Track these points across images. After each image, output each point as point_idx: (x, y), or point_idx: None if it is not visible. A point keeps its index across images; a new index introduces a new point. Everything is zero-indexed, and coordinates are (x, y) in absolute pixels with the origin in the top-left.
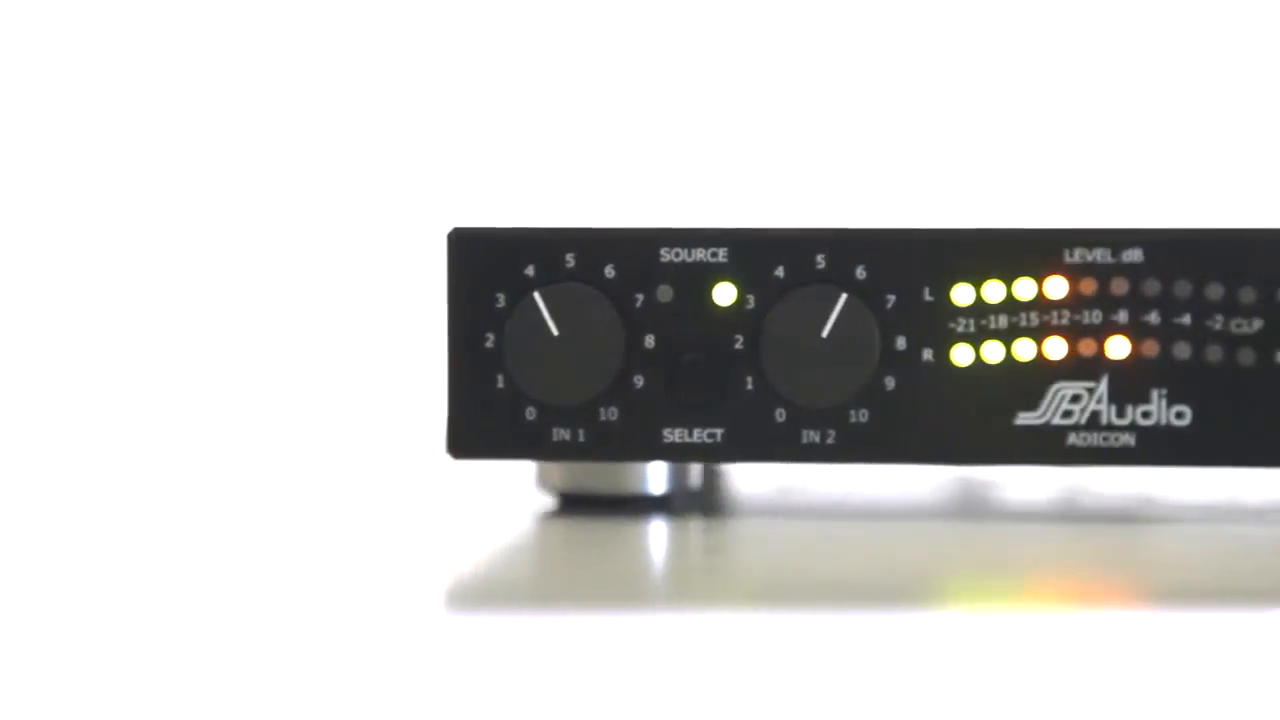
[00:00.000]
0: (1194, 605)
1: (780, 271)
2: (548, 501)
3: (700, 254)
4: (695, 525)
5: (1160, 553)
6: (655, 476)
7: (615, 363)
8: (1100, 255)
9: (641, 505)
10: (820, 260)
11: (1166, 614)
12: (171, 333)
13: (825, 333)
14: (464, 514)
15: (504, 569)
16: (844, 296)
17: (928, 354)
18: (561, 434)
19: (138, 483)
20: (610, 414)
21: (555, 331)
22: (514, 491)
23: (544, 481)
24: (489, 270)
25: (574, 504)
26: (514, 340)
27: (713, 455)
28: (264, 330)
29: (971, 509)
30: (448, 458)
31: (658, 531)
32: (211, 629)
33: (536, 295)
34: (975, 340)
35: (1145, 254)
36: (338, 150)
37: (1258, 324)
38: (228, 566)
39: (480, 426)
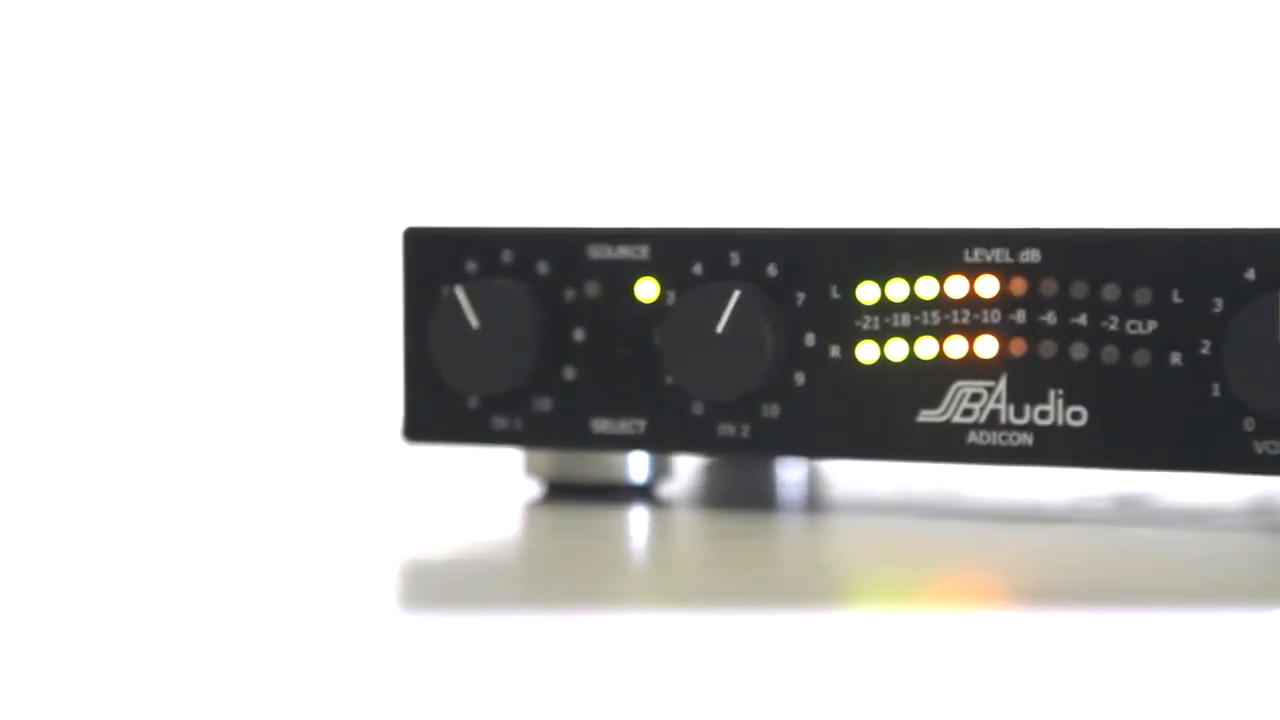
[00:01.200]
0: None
1: (698, 269)
2: (535, 489)
3: (625, 251)
4: (678, 514)
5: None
6: (637, 466)
7: (537, 355)
8: (999, 255)
9: (624, 494)
10: (735, 258)
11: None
12: (164, 334)
13: (719, 329)
14: (455, 502)
15: (491, 555)
16: (737, 293)
17: (835, 350)
18: (499, 422)
19: (141, 492)
20: (543, 404)
21: (475, 325)
22: (503, 480)
23: (532, 470)
24: (438, 266)
25: (560, 492)
26: (436, 333)
27: (636, 445)
28: (244, 329)
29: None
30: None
31: (638, 519)
32: (199, 622)
33: (457, 290)
34: (880, 338)
35: (1042, 254)
36: (307, 154)
37: (1152, 325)
38: (217, 563)
39: (430, 414)
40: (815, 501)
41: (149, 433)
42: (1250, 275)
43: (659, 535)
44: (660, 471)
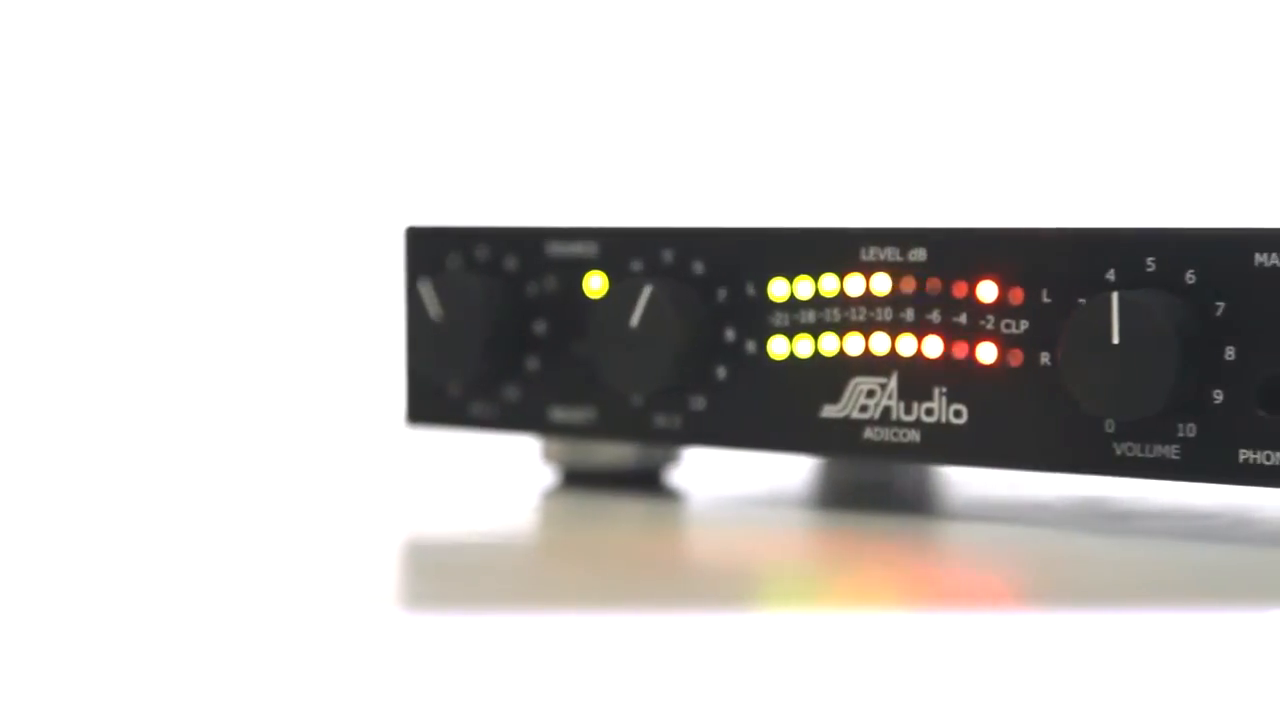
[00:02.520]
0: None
1: (637, 265)
2: (552, 476)
3: (577, 248)
4: (681, 503)
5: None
6: (646, 456)
7: (493, 345)
8: (890, 254)
9: (635, 481)
10: (667, 255)
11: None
12: (169, 332)
13: (633, 324)
14: (473, 488)
15: (503, 541)
16: (648, 289)
17: (750, 346)
18: (476, 409)
19: (153, 482)
20: (511, 393)
21: (437, 316)
22: (523, 468)
23: (549, 457)
24: (434, 261)
25: (575, 479)
26: (409, 324)
27: (588, 433)
28: (257, 325)
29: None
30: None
31: (651, 506)
32: (212, 609)
33: (421, 284)
34: (789, 334)
35: (929, 253)
36: (317, 157)
37: (1024, 325)
38: (229, 551)
39: (426, 399)
40: (830, 498)
41: (162, 424)
42: (1110, 276)
43: (665, 523)
44: (668, 460)
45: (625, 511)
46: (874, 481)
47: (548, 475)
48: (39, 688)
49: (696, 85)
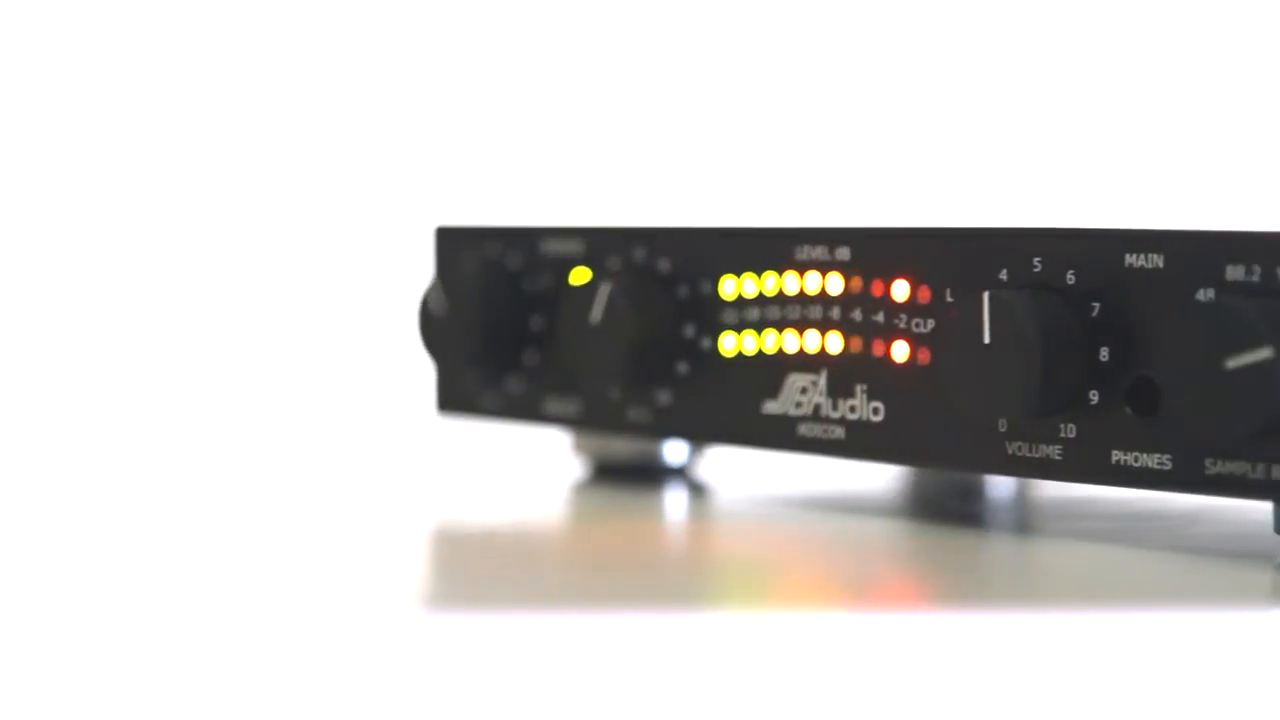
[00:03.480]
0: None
1: (615, 263)
2: (582, 469)
3: (567, 246)
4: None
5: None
6: (675, 450)
7: (490, 339)
8: (820, 253)
9: (662, 475)
10: (640, 253)
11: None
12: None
13: (594, 320)
14: (504, 479)
15: (530, 532)
16: (608, 287)
17: (706, 342)
18: (484, 400)
19: (175, 477)
20: (515, 386)
21: (440, 311)
22: (554, 460)
23: (579, 450)
24: (460, 259)
25: (604, 473)
26: (420, 318)
27: (574, 424)
28: (299, 321)
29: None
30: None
31: (675, 500)
32: (246, 600)
33: (433, 280)
34: (737, 330)
35: (852, 252)
36: (354, 159)
37: (931, 324)
38: (265, 538)
39: (451, 389)
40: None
41: (201, 417)
42: (1003, 275)
43: (690, 517)
44: (695, 455)
45: (646, 506)
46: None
47: (578, 468)
48: (59, 685)
49: (703, 83)
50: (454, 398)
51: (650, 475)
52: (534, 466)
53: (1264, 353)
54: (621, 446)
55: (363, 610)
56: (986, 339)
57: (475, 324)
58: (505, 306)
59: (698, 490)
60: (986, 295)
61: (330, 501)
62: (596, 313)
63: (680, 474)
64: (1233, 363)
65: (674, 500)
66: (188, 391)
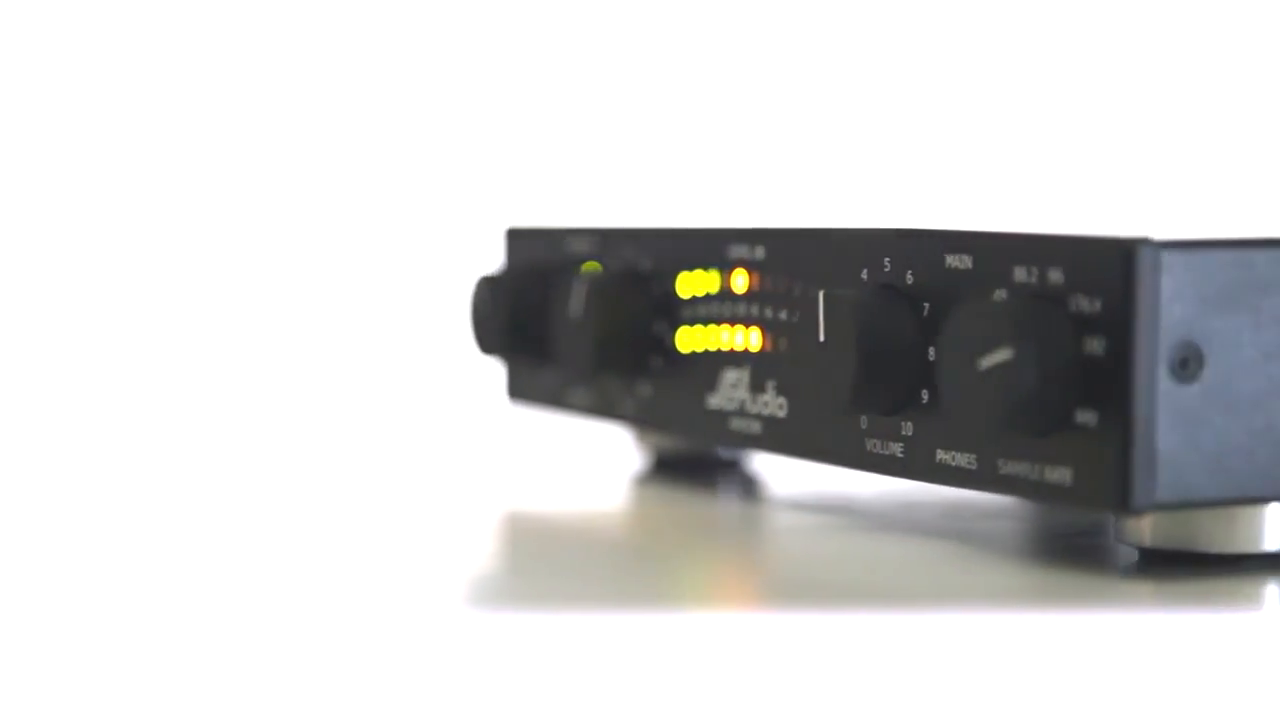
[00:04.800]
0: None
1: (612, 261)
2: (644, 462)
3: (582, 245)
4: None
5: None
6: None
7: (515, 330)
8: (744, 252)
9: (720, 468)
10: (629, 252)
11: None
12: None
13: (573, 315)
14: (569, 471)
15: (589, 523)
16: (586, 283)
17: (668, 339)
18: (528, 387)
19: (262, 457)
20: (550, 375)
21: (483, 309)
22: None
23: (642, 443)
24: (527, 258)
25: (664, 465)
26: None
27: (587, 412)
28: (382, 315)
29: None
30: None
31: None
32: (312, 571)
33: (480, 280)
34: (690, 325)
35: (766, 252)
36: (435, 162)
37: (820, 324)
38: (335, 520)
39: (518, 379)
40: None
41: (287, 402)
42: (864, 275)
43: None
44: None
45: (696, 498)
46: None
47: (639, 460)
48: (108, 669)
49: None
50: (522, 388)
51: (706, 468)
52: (600, 458)
53: (1004, 354)
54: (680, 441)
55: (414, 595)
56: (821, 337)
57: (500, 320)
58: (528, 302)
59: (749, 484)
60: (821, 295)
61: (406, 488)
62: (574, 307)
63: (734, 468)
64: (984, 362)
65: (725, 494)
66: (264, 380)
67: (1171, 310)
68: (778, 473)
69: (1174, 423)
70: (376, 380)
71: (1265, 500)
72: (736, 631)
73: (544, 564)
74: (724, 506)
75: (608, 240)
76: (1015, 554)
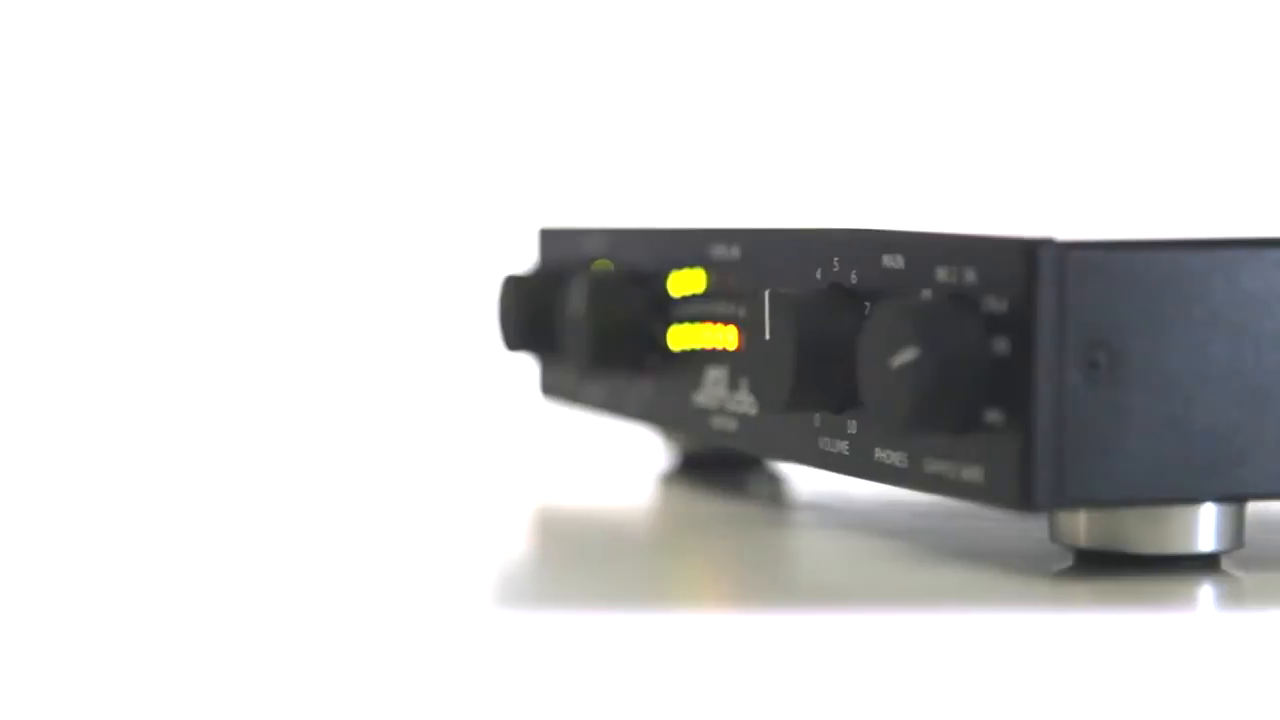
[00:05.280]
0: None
1: (614, 261)
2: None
3: (592, 244)
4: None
5: None
6: None
7: (526, 328)
8: (722, 252)
9: (746, 468)
10: (631, 251)
11: None
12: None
13: (570, 313)
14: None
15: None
16: (585, 282)
17: (660, 337)
18: (547, 380)
19: (292, 451)
20: (561, 369)
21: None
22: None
23: (670, 440)
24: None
25: (692, 462)
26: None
27: (599, 408)
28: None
29: None
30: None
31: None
32: (347, 560)
33: (505, 278)
34: (680, 324)
35: (741, 250)
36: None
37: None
38: (363, 515)
39: (551, 375)
40: None
41: (322, 398)
42: (819, 274)
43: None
44: None
45: (720, 495)
46: None
47: (666, 458)
48: (136, 665)
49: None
50: (547, 383)
51: (731, 467)
52: (627, 456)
53: (911, 353)
54: (707, 440)
55: (418, 591)
56: (767, 335)
57: (510, 318)
58: (538, 300)
59: (774, 484)
60: (767, 294)
61: (437, 483)
62: (573, 305)
63: (760, 466)
64: (894, 362)
65: (754, 490)
66: (299, 373)
67: (1078, 310)
68: (803, 473)
69: (1081, 422)
70: (416, 376)
71: (1174, 501)
72: (723, 632)
73: (549, 563)
74: (733, 507)
75: (616, 240)
76: (955, 554)
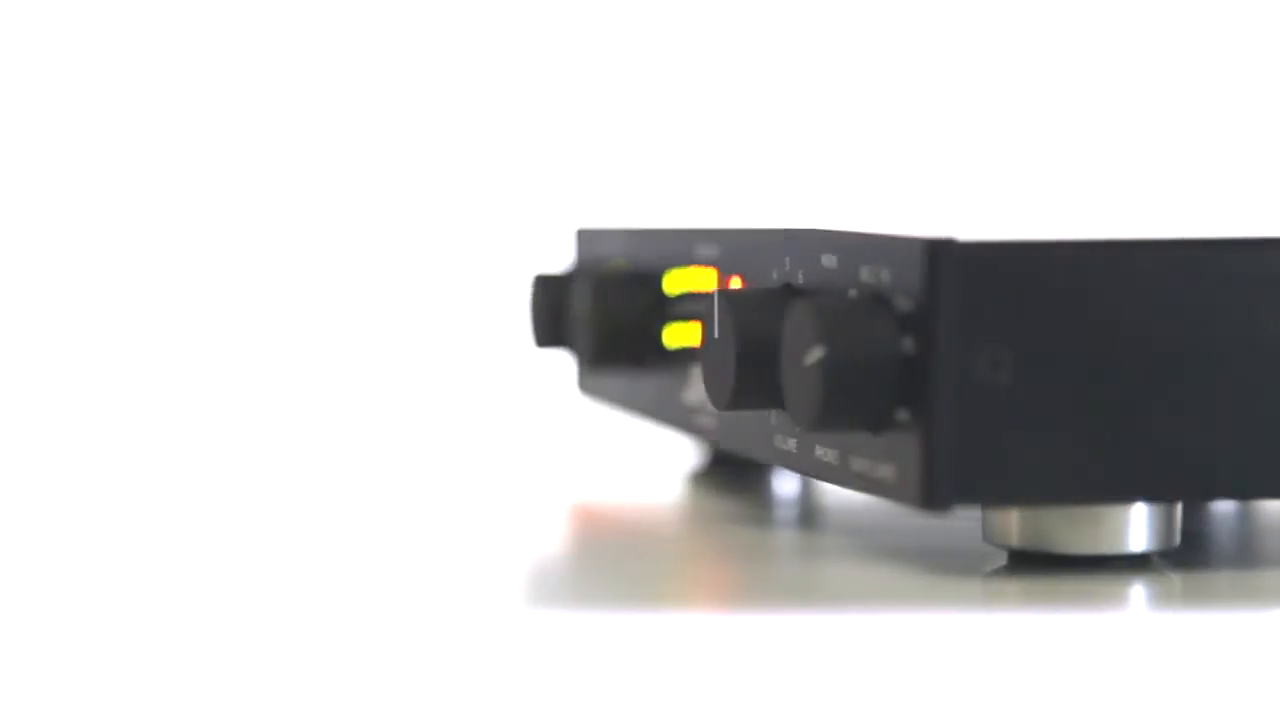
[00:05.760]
0: None
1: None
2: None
3: (609, 245)
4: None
5: None
6: None
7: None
8: (704, 252)
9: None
10: (640, 250)
11: None
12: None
13: (576, 311)
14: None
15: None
16: (590, 280)
17: (657, 335)
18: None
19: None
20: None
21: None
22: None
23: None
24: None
25: (720, 460)
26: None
27: (616, 403)
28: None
29: None
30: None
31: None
32: (380, 562)
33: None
34: (672, 322)
35: (718, 251)
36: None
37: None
38: (394, 508)
39: (591, 372)
40: None
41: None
42: (774, 275)
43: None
44: None
45: (745, 496)
46: None
47: (696, 454)
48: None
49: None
50: (585, 382)
51: (759, 466)
52: (658, 454)
53: (818, 352)
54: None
55: (465, 579)
56: (715, 333)
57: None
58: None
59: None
60: (716, 294)
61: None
62: (579, 304)
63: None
64: (806, 360)
65: (779, 488)
66: (335, 371)
67: (981, 310)
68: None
69: (984, 422)
70: (459, 371)
71: (1080, 501)
72: (718, 633)
73: (555, 563)
74: (739, 509)
75: (632, 240)
76: (890, 554)
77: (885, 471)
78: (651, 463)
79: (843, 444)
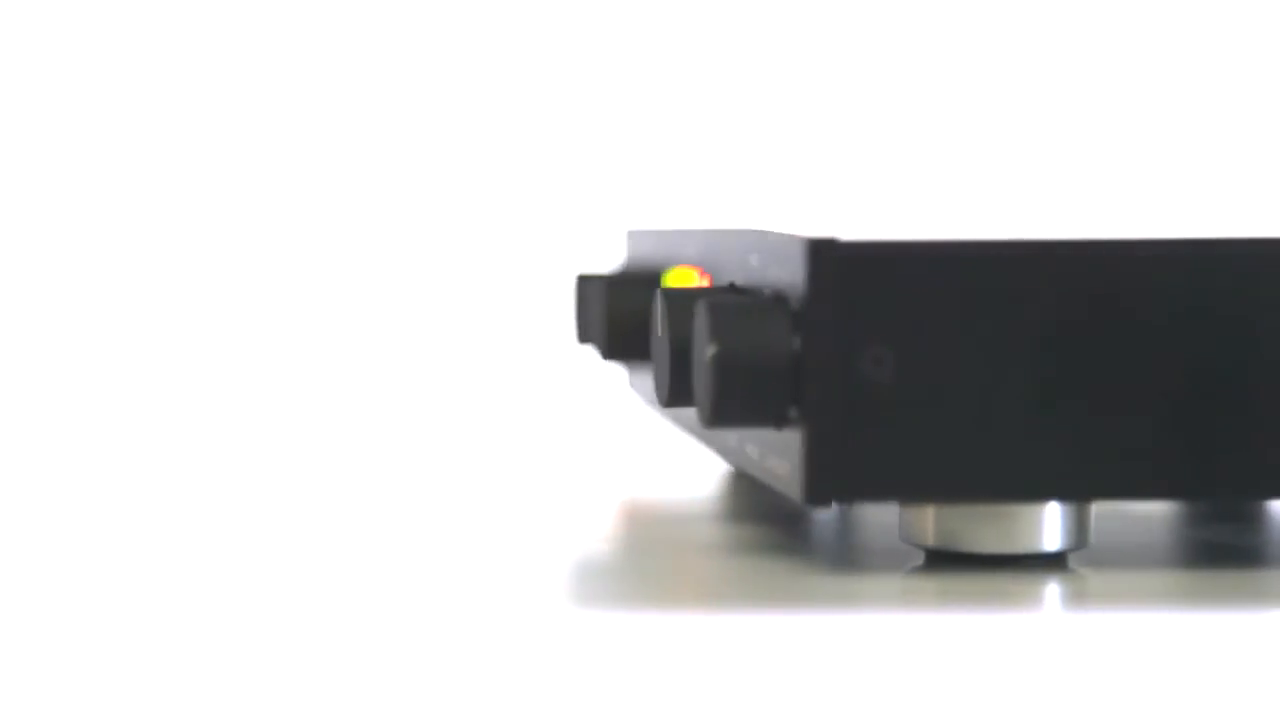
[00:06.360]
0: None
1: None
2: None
3: (636, 246)
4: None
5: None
6: None
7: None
8: (689, 252)
9: None
10: (665, 251)
11: None
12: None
13: (596, 310)
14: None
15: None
16: (604, 281)
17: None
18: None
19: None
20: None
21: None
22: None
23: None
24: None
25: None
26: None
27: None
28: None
29: None
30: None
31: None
32: (414, 554)
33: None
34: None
35: (697, 251)
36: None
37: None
38: (431, 498)
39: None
40: None
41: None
42: (735, 275)
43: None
44: None
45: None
46: None
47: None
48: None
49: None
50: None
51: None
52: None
53: (712, 349)
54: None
55: (489, 578)
56: (660, 332)
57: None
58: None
59: None
60: (659, 293)
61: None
62: (593, 304)
63: None
64: (703, 357)
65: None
66: (383, 367)
67: (862, 309)
68: None
69: (866, 419)
70: (511, 369)
71: (963, 499)
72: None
73: (559, 563)
74: (748, 510)
75: (654, 240)
76: (813, 553)
77: (781, 467)
78: (688, 463)
79: (761, 441)
